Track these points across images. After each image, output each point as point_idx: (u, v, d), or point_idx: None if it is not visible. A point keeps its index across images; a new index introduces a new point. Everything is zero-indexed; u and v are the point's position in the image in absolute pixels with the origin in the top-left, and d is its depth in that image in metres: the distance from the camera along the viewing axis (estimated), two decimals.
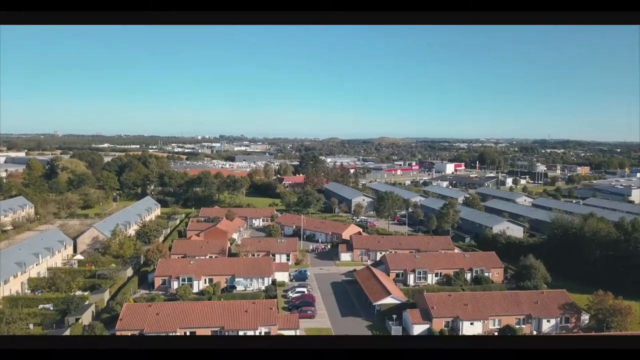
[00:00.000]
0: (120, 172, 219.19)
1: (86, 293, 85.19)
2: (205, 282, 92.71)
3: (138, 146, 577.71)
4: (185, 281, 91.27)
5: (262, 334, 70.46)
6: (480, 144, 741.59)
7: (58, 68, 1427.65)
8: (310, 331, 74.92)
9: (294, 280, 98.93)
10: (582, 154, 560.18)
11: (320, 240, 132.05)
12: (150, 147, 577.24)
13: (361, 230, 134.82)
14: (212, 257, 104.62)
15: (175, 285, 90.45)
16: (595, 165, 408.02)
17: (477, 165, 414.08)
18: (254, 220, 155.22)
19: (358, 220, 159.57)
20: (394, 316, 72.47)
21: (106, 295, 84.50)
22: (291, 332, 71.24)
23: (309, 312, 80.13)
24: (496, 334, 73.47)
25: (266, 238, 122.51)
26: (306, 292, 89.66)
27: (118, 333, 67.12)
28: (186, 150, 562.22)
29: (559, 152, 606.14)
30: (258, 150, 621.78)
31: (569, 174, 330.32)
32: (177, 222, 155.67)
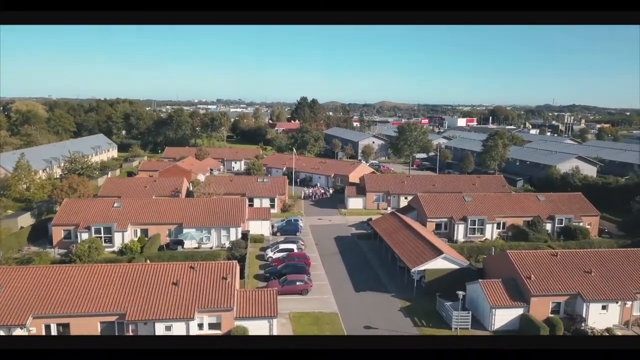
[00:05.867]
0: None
1: None
2: (135, 235, 58.36)
3: None
4: (101, 233, 56.98)
5: (205, 326, 36.20)
6: (484, 108, 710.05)
7: (54, 31, 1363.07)
8: (300, 319, 40.80)
9: (278, 234, 64.70)
10: (591, 117, 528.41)
11: (318, 184, 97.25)
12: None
13: (374, 171, 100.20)
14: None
15: (85, 238, 56.06)
16: (618, 122, 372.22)
17: (491, 120, 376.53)
18: (233, 163, 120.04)
19: (367, 164, 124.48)
20: (461, 293, 37.79)
21: None
22: (263, 323, 37.08)
23: (298, 283, 45.90)
24: None
25: (241, 176, 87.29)
26: (296, 251, 55.47)
27: None
28: None
29: (565, 114, 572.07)
30: None
31: (594, 129, 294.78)
32: (135, 164, 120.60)
